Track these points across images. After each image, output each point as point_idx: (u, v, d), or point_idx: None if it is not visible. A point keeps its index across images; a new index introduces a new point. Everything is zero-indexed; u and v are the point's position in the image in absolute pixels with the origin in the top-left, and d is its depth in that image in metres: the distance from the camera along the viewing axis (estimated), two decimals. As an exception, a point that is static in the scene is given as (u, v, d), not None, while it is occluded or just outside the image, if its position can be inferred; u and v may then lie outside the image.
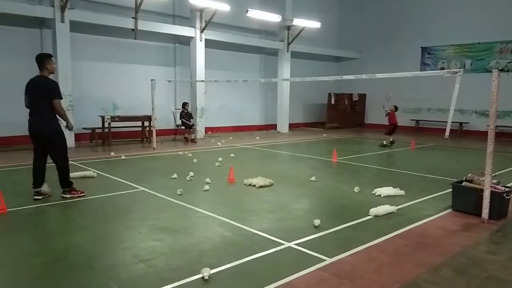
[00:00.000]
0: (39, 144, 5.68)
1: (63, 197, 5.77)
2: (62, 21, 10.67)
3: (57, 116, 5.65)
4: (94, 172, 7.42)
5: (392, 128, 12.63)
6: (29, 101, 5.63)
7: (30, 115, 5.64)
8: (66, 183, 5.84)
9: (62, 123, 5.75)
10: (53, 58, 5.81)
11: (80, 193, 5.90)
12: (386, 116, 12.78)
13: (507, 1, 15.02)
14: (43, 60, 5.66)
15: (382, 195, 6.10)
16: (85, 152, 10.15)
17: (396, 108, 12.80)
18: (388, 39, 18.62)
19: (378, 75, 6.93)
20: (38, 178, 5.72)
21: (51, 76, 5.76)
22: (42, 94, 5.53)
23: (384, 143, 12.36)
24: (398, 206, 5.52)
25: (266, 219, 5.01)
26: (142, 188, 6.46)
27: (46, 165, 5.82)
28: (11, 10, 10.04)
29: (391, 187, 6.39)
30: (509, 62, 15.24)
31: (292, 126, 17.76)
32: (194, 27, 13.65)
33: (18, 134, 10.86)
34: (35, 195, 5.66)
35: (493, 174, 5.06)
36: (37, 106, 5.58)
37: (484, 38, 15.71)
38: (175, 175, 7.32)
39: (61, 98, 5.66)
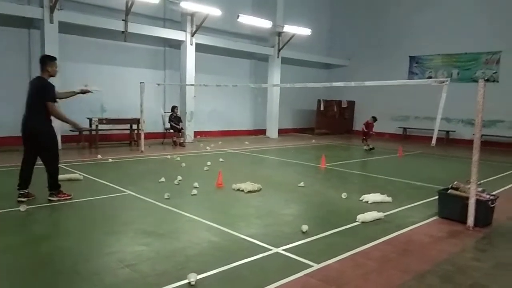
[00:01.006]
0: (30, 145, 5.59)
1: (49, 199, 5.67)
2: (51, 21, 10.55)
3: (51, 118, 5.57)
4: (80, 175, 7.32)
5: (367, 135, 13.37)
6: (26, 101, 5.56)
7: (24, 116, 5.57)
8: (54, 186, 5.75)
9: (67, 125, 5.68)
10: (56, 62, 5.71)
11: (67, 196, 5.81)
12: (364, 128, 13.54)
13: (494, 14, 15.34)
14: (45, 61, 5.61)
15: (369, 202, 6.14)
16: (71, 154, 10.01)
17: (374, 119, 13.50)
18: (377, 48, 18.85)
19: (367, 83, 7.01)
20: (24, 180, 5.62)
21: (51, 79, 5.66)
22: (35, 96, 5.47)
23: (369, 147, 12.99)
24: (385, 212, 5.55)
25: (254, 224, 4.99)
26: (129, 192, 6.39)
27: (34, 167, 5.72)
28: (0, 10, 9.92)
29: (378, 194, 6.43)
30: (495, 73, 15.54)
31: (281, 132, 17.80)
32: (184, 31, 13.63)
33: (3, 135, 10.70)
34: (19, 197, 5.55)
35: (479, 182, 5.14)
36: (30, 108, 5.52)
37: (471, 48, 16.00)
38: (162, 179, 7.26)
39: (54, 101, 5.56)
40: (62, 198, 5.74)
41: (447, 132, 16.22)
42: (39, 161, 5.70)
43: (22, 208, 5.21)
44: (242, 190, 6.64)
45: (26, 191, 5.63)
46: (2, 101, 10.79)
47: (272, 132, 17.10)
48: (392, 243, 4.48)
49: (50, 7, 10.45)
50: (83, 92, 6.23)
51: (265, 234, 4.58)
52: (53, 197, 5.71)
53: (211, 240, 4.35)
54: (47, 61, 5.63)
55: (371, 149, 12.89)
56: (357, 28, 19.68)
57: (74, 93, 6.21)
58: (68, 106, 11.59)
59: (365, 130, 13.36)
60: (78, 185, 6.78)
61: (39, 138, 5.53)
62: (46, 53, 10.46)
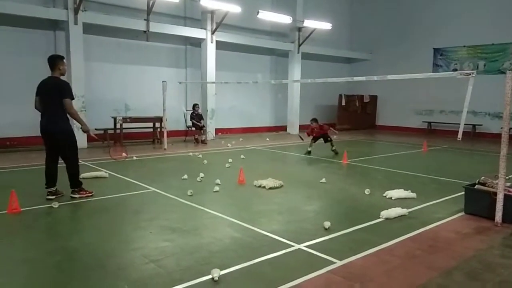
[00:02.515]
0: (50, 144, 5.75)
1: (72, 197, 5.83)
2: (75, 23, 10.82)
3: (68, 117, 5.72)
4: (106, 172, 7.49)
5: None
6: (40, 102, 5.71)
7: (42, 116, 5.72)
8: (75, 184, 5.90)
9: (77, 125, 5.81)
10: (64, 60, 5.90)
11: (88, 193, 5.96)
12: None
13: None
14: (55, 61, 5.74)
15: (393, 198, 6.05)
16: (97, 153, 10.25)
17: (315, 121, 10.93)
18: (400, 40, 18.48)
19: (390, 77, 6.89)
20: (51, 178, 5.80)
21: (62, 78, 5.83)
22: (53, 95, 5.59)
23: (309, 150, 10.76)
24: (410, 209, 5.46)
25: (276, 221, 5.00)
26: (153, 189, 6.51)
27: (58, 165, 5.89)
28: (26, 13, 10.22)
29: (402, 190, 6.33)
30: (524, 63, 15.00)
31: (302, 128, 17.67)
32: (205, 28, 13.71)
33: (31, 135, 11.03)
34: (48, 195, 5.74)
35: (507, 177, 4.99)
36: (48, 107, 5.65)
37: (497, 39, 15.48)
38: (185, 176, 7.35)
39: (73, 98, 5.70)
40: (84, 195, 5.89)
41: (474, 126, 15.77)
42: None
43: (55, 205, 5.38)
44: (264, 187, 6.66)
45: (54, 189, 5.81)
46: (31, 103, 11.13)
47: (293, 128, 17.04)
48: (417, 239, 4.41)
49: (75, 8, 10.71)
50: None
51: (287, 231, 4.59)
52: (75, 194, 5.87)
53: (234, 236, 4.39)
54: (56, 60, 5.77)
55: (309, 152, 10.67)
56: (379, 21, 19.33)
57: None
58: (93, 106, 11.94)
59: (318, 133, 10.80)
60: (103, 182, 6.95)
61: (57, 137, 5.67)
62: (71, 54, 10.84)
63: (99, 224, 4.88)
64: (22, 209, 5.18)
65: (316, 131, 10.77)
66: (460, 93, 6.23)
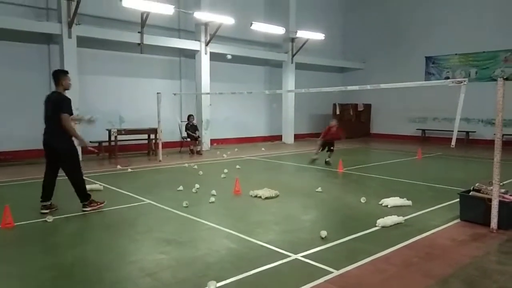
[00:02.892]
0: (52, 158, 5.75)
1: (83, 211, 5.78)
2: (69, 36, 10.84)
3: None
4: (100, 185, 7.45)
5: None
6: (44, 116, 5.74)
7: (44, 130, 5.75)
8: (84, 197, 5.87)
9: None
10: (68, 75, 5.90)
11: (100, 204, 5.92)
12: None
13: (510, 11, 15.04)
14: (59, 76, 5.78)
15: (389, 206, 6.06)
16: (91, 165, 10.20)
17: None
18: (392, 49, 18.68)
19: (383, 85, 6.94)
20: (47, 192, 5.76)
21: (66, 93, 5.82)
22: (53, 110, 5.62)
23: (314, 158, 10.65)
24: (406, 216, 5.47)
25: (272, 231, 4.99)
26: (148, 201, 6.47)
27: (57, 179, 5.86)
28: (20, 27, 10.25)
29: (398, 197, 6.34)
30: (515, 71, 15.19)
31: (297, 137, 17.76)
32: (199, 40, 13.80)
33: (26, 148, 10.99)
34: (42, 208, 5.69)
35: (501, 183, 5.02)
36: (49, 122, 5.69)
37: (488, 47, 15.71)
38: (181, 187, 7.33)
39: (71, 114, 5.68)
40: (96, 207, 5.86)
41: (467, 132, 15.90)
42: (62, 173, 5.84)
43: (49, 218, 5.33)
44: (260, 197, 6.65)
45: (49, 203, 5.77)
46: (25, 116, 11.12)
47: (288, 137, 17.08)
48: (414, 247, 4.41)
49: (68, 22, 10.75)
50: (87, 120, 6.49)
51: (283, 241, 4.57)
52: (86, 207, 5.83)
53: (230, 248, 4.37)
54: (60, 75, 5.80)
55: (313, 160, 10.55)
56: (371, 31, 19.56)
57: (81, 120, 6.50)
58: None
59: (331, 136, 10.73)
60: (98, 195, 6.88)
61: (58, 152, 5.66)
62: (66, 67, 10.80)
63: (94, 237, 4.84)
64: (15, 223, 5.12)
65: (333, 132, 10.63)
66: (453, 100, 6.28)
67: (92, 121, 6.60)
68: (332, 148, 10.77)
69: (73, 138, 5.73)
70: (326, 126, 11.07)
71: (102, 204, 5.94)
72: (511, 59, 15.29)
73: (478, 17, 15.86)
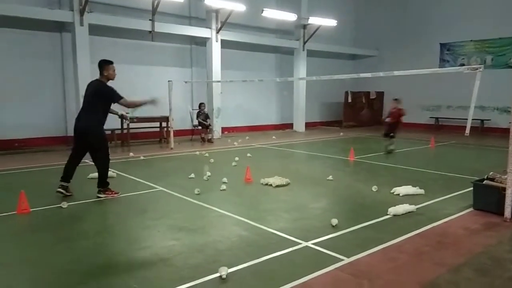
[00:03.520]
0: (80, 143, 5.86)
1: (98, 196, 5.90)
2: (81, 24, 10.87)
3: (102, 121, 5.84)
4: (113, 172, 7.53)
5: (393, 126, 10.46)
6: (83, 102, 5.88)
7: (78, 115, 5.87)
8: (103, 183, 5.99)
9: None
10: (112, 65, 5.95)
11: (114, 193, 6.03)
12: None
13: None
14: (102, 66, 5.90)
15: (401, 194, 6.02)
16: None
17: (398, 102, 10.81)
18: (406, 36, 18.33)
19: (396, 73, 6.84)
20: (68, 174, 5.90)
21: (110, 83, 5.94)
22: (91, 98, 5.76)
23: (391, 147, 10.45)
24: (418, 205, 5.43)
25: (283, 219, 5.01)
26: (160, 188, 6.54)
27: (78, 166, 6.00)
28: (32, 15, 10.28)
29: (410, 186, 6.29)
30: (532, 57, 14.82)
31: (308, 125, 17.68)
32: (210, 28, 13.72)
33: (38, 136, 11.16)
34: (59, 187, 5.81)
35: (516, 172, 4.94)
36: (85, 107, 5.83)
37: (504, 33, 15.29)
38: (192, 175, 7.38)
39: (121, 98, 5.87)
40: (110, 195, 5.96)
41: (482, 121, 15.62)
42: (85, 158, 5.96)
43: (63, 205, 5.44)
44: (271, 185, 6.66)
45: (67, 185, 5.89)
46: (37, 104, 11.26)
47: (299, 125, 17.01)
48: (425, 236, 4.38)
49: (80, 10, 10.77)
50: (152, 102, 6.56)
51: (294, 228, 4.59)
52: (101, 194, 5.94)
53: (241, 235, 4.40)
54: (103, 65, 5.89)
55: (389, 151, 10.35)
56: (384, 17, 19.20)
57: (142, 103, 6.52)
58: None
59: (391, 121, 10.40)
60: (111, 182, 6.93)
61: (89, 138, 5.78)
62: (78, 55, 10.91)
63: (107, 224, 4.93)
64: (31, 209, 5.24)
65: (394, 115, 10.23)
66: (468, 88, 6.17)
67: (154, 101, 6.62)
68: (392, 134, 10.32)
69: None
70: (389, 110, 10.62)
71: (116, 194, 6.03)
72: (529, 45, 14.89)
73: (494, 3, 15.41)
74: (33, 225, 4.86)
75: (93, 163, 5.99)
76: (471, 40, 16.37)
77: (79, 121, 5.82)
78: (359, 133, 15.78)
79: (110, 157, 6.07)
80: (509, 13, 15.06)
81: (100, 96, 5.78)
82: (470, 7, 16.10)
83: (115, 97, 5.82)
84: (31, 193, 5.65)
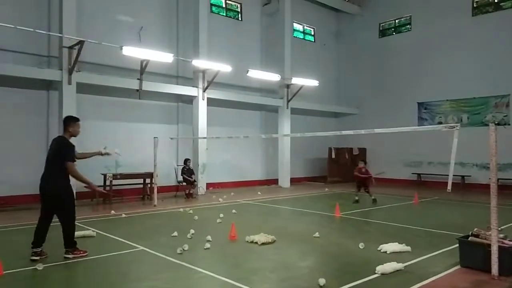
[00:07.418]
0: (48, 203, 5.69)
1: (65, 257, 5.65)
2: (69, 83, 11.04)
3: (68, 177, 5.69)
4: (93, 231, 7.30)
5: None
6: (46, 160, 5.76)
7: (43, 174, 5.73)
8: (70, 244, 5.76)
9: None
10: (78, 123, 5.99)
11: (82, 253, 5.79)
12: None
13: (500, 57, 15.61)
14: (67, 122, 5.91)
15: (388, 252, 5.95)
16: (85, 210, 10.03)
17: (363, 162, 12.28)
18: (385, 95, 19.15)
19: (377, 130, 7.07)
20: (39, 238, 5.64)
21: (72, 139, 5.89)
22: (53, 154, 5.67)
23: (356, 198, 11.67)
24: (405, 263, 5.36)
25: (269, 279, 4.85)
26: (142, 247, 6.32)
27: (50, 225, 5.77)
28: (22, 74, 10.40)
29: (396, 243, 6.24)
30: (505, 116, 15.52)
31: (293, 181, 17.72)
32: (197, 86, 14.09)
33: (19, 194, 10.85)
34: (32, 255, 5.54)
35: (499, 228, 4.98)
36: (48, 165, 5.71)
37: (479, 93, 16.13)
38: (175, 233, 7.19)
39: (73, 161, 5.72)
40: (78, 255, 5.72)
41: (463, 177, 15.94)
42: (55, 219, 5.74)
43: (39, 266, 5.17)
44: (256, 242, 6.52)
45: (40, 249, 5.62)
46: (20, 162, 11.08)
47: (284, 181, 17.04)
48: (414, 295, 4.28)
49: (69, 69, 10.99)
50: (103, 154, 6.45)
51: (281, 289, 4.44)
52: (69, 254, 5.70)
53: (226, 297, 4.23)
54: (69, 121, 5.90)
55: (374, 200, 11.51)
56: (364, 77, 20.15)
57: (95, 154, 6.48)
58: (85, 163, 11.86)
59: (362, 176, 11.69)
60: (91, 242, 6.75)
61: (56, 198, 5.63)
62: (64, 113, 10.91)
63: (86, 286, 4.67)
64: (4, 272, 4.96)
65: (364, 172, 11.64)
66: (447, 145, 6.36)
67: (108, 154, 6.61)
68: (366, 188, 11.69)
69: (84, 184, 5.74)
70: (356, 167, 12.10)
71: (85, 254, 5.80)
72: (501, 104, 15.67)
73: (469, 64, 16.39)
74: (5, 289, 4.59)
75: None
76: (447, 100, 17.16)
77: (46, 182, 5.64)
78: (344, 189, 15.83)
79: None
80: (482, 74, 15.99)
81: (62, 153, 5.69)
82: (445, 69, 17.07)
83: (68, 156, 5.65)
84: (6, 254, 5.40)
